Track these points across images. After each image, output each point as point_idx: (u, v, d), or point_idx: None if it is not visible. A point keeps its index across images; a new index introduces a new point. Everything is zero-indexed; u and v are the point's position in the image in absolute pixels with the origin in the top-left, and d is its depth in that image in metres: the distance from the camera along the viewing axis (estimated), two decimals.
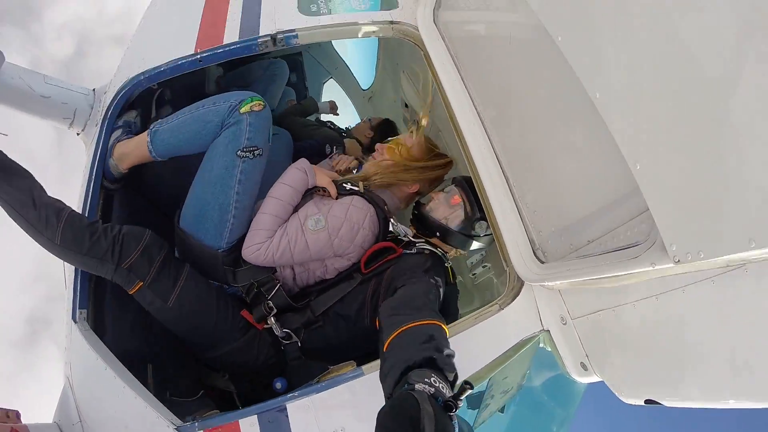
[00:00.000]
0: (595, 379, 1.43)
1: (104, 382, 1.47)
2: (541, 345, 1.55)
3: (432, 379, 0.93)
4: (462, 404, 0.90)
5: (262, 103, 1.71)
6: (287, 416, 1.40)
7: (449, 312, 1.64)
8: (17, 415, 1.37)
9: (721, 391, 1.03)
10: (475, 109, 1.69)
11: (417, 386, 0.91)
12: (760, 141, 0.71)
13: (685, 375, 1.13)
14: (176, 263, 1.68)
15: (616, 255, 1.13)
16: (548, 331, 1.52)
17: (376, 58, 2.89)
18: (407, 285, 1.47)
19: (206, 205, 1.68)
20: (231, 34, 1.88)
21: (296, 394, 1.42)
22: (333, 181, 1.82)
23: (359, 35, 1.91)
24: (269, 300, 1.71)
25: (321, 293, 1.74)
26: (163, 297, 1.61)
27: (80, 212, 1.72)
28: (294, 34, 1.86)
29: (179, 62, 1.82)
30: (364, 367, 1.43)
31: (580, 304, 1.42)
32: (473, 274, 2.25)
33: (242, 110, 1.65)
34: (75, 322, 1.58)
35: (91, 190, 1.73)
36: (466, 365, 1.44)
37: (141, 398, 1.44)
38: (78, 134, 1.86)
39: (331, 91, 3.23)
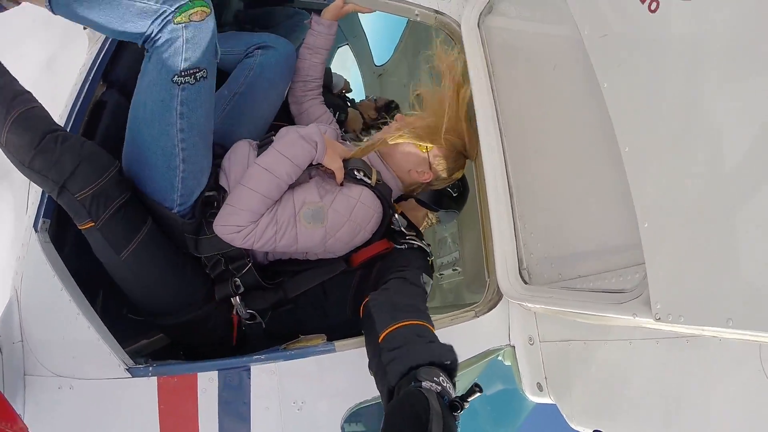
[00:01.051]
0: (547, 401, 1.51)
1: (56, 304, 1.38)
2: (500, 358, 1.62)
3: (441, 378, 0.94)
4: (468, 405, 0.91)
5: (206, 9, 1.31)
6: (249, 377, 1.37)
7: None
8: None
9: None
10: (498, 120, 1.70)
11: (425, 384, 0.91)
12: (760, 240, 0.78)
13: (638, 414, 1.21)
14: (138, 213, 1.42)
15: (602, 296, 1.20)
16: (513, 347, 1.58)
17: (398, 39, 2.84)
18: (400, 279, 1.44)
19: (146, 150, 1.38)
20: None
21: (262, 357, 1.40)
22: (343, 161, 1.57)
23: (401, 13, 1.86)
24: (237, 278, 1.53)
25: (296, 274, 1.60)
26: (116, 248, 1.38)
27: (68, 114, 1.55)
28: None
29: None
30: (336, 343, 1.42)
31: (551, 330, 1.49)
32: (440, 274, 2.31)
33: (177, 20, 1.27)
34: (36, 231, 1.45)
35: (84, 91, 1.58)
36: None
37: (94, 329, 1.36)
38: (85, 28, 1.68)
39: (343, 57, 3.15)
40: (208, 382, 1.36)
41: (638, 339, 1.18)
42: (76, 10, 1.33)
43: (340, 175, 1.54)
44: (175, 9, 1.27)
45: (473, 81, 1.75)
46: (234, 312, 1.54)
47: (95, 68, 1.60)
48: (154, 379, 1.33)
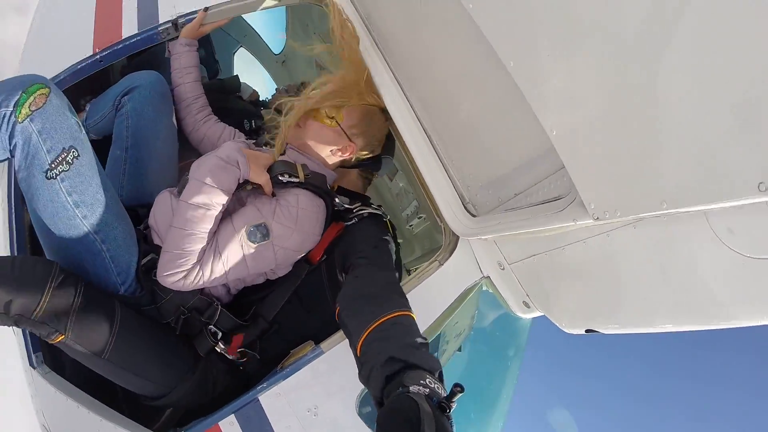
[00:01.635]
0: (538, 314, 1.56)
1: (80, 421, 1.44)
2: (485, 288, 1.66)
3: (427, 380, 0.94)
4: (455, 405, 0.91)
5: (44, 89, 1.24)
6: (262, 407, 1.44)
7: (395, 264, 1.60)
8: None
9: (649, 316, 1.17)
10: (390, 70, 1.66)
11: (412, 388, 0.91)
12: (673, 109, 0.76)
13: (618, 305, 1.25)
14: (102, 301, 1.36)
15: (542, 208, 1.21)
16: (489, 277, 1.62)
17: (285, 23, 2.76)
18: (362, 265, 1.41)
19: (64, 249, 1.34)
20: (129, 26, 1.77)
21: (264, 384, 1.46)
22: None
23: (264, 7, 1.80)
24: (212, 326, 1.49)
25: (265, 297, 1.56)
26: (97, 350, 1.32)
27: (9, 247, 1.56)
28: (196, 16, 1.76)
29: (79, 66, 1.69)
30: (322, 345, 1.48)
31: (515, 251, 1.52)
32: (410, 226, 2.33)
33: (20, 117, 1.20)
34: (34, 368, 1.52)
35: (14, 221, 1.60)
36: (418, 322, 1.55)
37: (121, 427, 1.43)
38: None
39: (242, 59, 3.07)
40: (230, 426, 1.43)
41: (590, 237, 1.19)
42: None
43: (268, 187, 1.47)
44: (13, 107, 1.21)
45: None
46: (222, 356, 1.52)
47: (12, 196, 1.61)
48: None
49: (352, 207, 1.61)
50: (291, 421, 1.46)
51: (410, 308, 1.22)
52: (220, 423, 1.44)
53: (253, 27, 3.01)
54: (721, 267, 0.90)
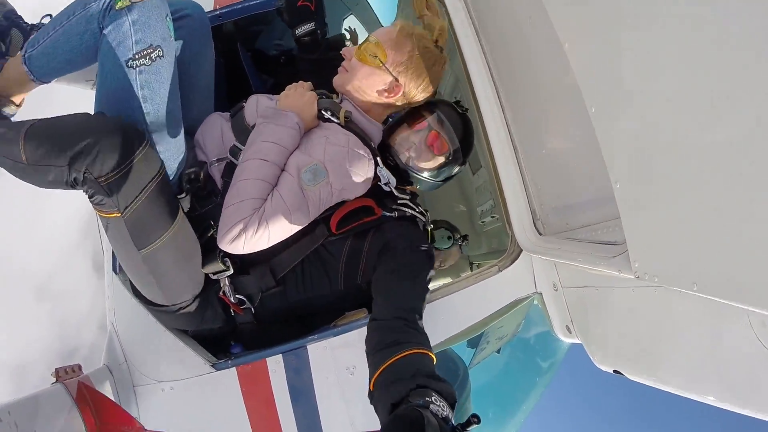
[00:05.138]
0: (577, 341, 1.61)
1: (146, 326, 1.62)
2: (535, 302, 1.72)
3: (433, 397, 0.94)
4: None
5: None
6: (308, 355, 1.60)
7: None
8: (79, 367, 1.49)
9: (666, 379, 1.22)
10: (492, 76, 1.70)
11: (419, 402, 0.92)
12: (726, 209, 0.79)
13: (646, 358, 1.29)
14: (172, 196, 1.36)
15: (599, 248, 1.26)
16: (541, 294, 1.67)
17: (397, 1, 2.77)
18: (389, 285, 1.37)
19: None
20: None
21: (315, 336, 1.61)
22: None
23: None
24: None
25: (280, 251, 1.50)
26: (140, 243, 1.31)
27: None
28: None
29: None
30: None
31: (571, 277, 1.56)
32: (482, 221, 2.38)
33: (118, 5, 1.24)
34: (116, 273, 1.71)
35: None
36: (465, 317, 1.64)
37: (180, 340, 1.61)
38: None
39: (350, 26, 3.12)
40: (275, 364, 1.61)
41: (638, 287, 1.22)
42: (53, 65, 1.38)
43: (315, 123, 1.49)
44: None
45: (461, 39, 1.74)
46: (222, 293, 1.53)
47: None
48: (234, 369, 1.60)
49: (397, 195, 1.57)
50: (330, 374, 1.61)
51: (430, 347, 1.17)
52: (268, 359, 1.60)
53: None
54: (745, 354, 0.94)
